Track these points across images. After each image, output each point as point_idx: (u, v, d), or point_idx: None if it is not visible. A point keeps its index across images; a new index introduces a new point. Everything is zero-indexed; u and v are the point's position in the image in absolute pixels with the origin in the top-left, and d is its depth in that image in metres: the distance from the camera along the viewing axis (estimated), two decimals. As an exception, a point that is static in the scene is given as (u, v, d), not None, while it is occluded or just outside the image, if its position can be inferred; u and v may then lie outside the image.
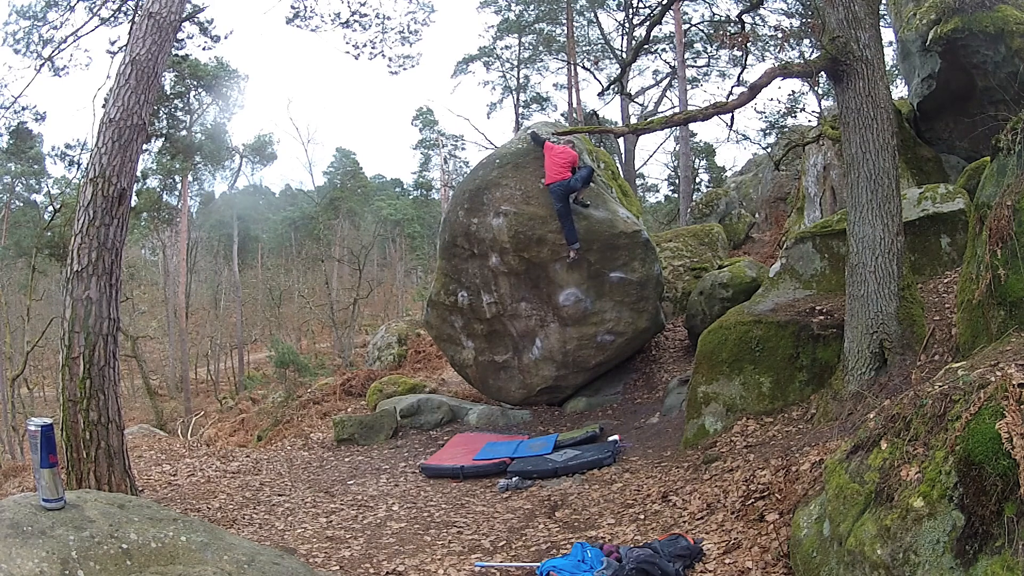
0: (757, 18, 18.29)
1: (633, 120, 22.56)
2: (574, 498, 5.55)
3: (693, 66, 25.64)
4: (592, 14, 26.48)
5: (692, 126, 24.43)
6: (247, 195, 35.35)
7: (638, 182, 29.08)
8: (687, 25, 22.45)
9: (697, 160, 30.34)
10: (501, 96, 29.89)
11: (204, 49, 17.04)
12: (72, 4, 12.38)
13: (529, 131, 9.02)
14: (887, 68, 5.69)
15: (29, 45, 13.35)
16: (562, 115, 28.91)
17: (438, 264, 9.42)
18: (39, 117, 16.29)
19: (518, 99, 29.08)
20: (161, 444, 9.31)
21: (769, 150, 17.48)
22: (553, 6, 26.34)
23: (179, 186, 26.12)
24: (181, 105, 23.59)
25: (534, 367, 8.88)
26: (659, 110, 26.11)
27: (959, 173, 8.32)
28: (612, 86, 12.49)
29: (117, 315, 5.99)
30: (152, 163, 23.47)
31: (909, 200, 6.58)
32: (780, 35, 16.99)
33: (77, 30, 10.68)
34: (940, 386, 2.73)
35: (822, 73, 5.31)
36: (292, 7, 12.98)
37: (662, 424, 7.49)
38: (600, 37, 26.97)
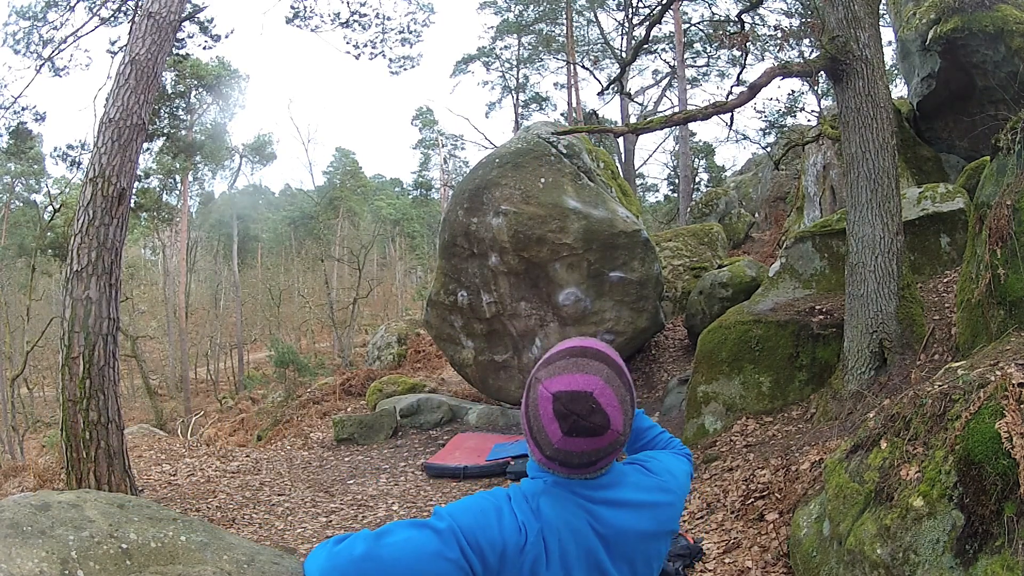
0: (757, 18, 18.31)
1: (633, 119, 22.55)
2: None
3: (693, 66, 25.67)
4: (592, 14, 26.50)
5: (692, 126, 24.46)
6: (247, 195, 35.34)
7: (638, 182, 29.08)
8: (687, 25, 22.47)
9: (696, 160, 30.35)
10: (500, 96, 29.99)
11: (204, 49, 16.98)
12: (72, 4, 12.37)
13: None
14: (887, 68, 5.70)
15: (29, 45, 13.32)
16: (561, 115, 28.96)
17: (438, 264, 9.42)
18: (39, 117, 16.22)
19: (517, 99, 29.12)
20: (161, 444, 9.30)
21: (769, 149, 17.48)
22: (553, 6, 26.35)
23: (179, 186, 26.12)
24: (182, 104, 23.59)
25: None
26: (659, 110, 26.14)
27: (959, 173, 8.32)
28: (611, 86, 12.49)
29: (117, 315, 5.99)
30: (153, 162, 23.47)
31: (909, 199, 6.58)
32: (780, 35, 16.97)
33: (77, 30, 10.68)
34: (940, 385, 2.73)
35: (822, 73, 5.31)
36: (292, 7, 13.00)
37: (662, 423, 7.49)
38: (600, 37, 27.00)
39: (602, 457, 1.08)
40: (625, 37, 24.75)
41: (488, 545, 1.00)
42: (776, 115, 21.31)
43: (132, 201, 7.38)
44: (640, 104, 26.26)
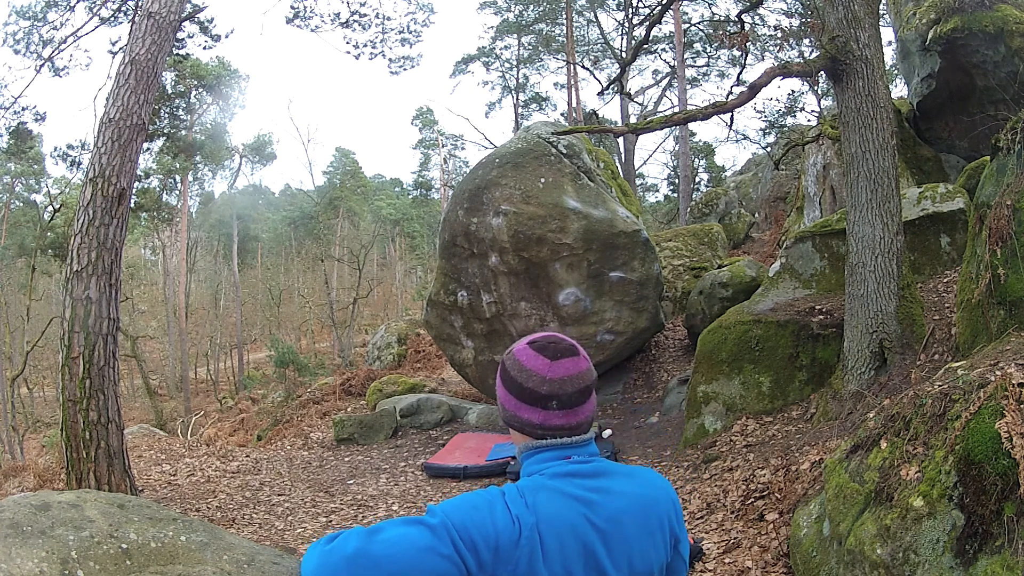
0: (757, 18, 18.31)
1: (632, 119, 22.56)
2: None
3: (693, 66, 25.68)
4: (592, 14, 26.50)
5: (692, 126, 24.47)
6: (247, 195, 35.36)
7: (638, 182, 29.09)
8: (687, 25, 22.47)
9: (696, 159, 30.34)
10: (500, 96, 29.99)
11: (204, 48, 17.01)
12: (72, 4, 12.37)
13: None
14: (887, 68, 5.70)
15: (29, 45, 13.34)
16: (561, 115, 28.95)
17: (438, 264, 9.42)
18: (39, 117, 16.23)
19: (517, 99, 29.12)
20: (161, 444, 9.30)
21: (769, 149, 17.48)
22: (553, 6, 26.35)
23: (179, 186, 26.12)
24: (182, 104, 23.60)
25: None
26: (659, 110, 26.15)
27: (959, 172, 8.32)
28: (611, 86, 12.49)
29: (117, 315, 5.99)
30: (153, 162, 23.48)
31: (909, 199, 6.58)
32: (780, 35, 16.98)
33: (77, 30, 10.68)
34: (940, 385, 2.73)
35: (822, 73, 5.32)
36: (292, 7, 13.00)
37: (662, 424, 7.49)
38: (600, 37, 27.00)
39: (587, 393, 1.16)
40: (625, 37, 24.76)
41: (482, 540, 1.00)
42: (776, 115, 21.31)
43: (132, 201, 7.39)
44: (640, 104, 26.28)
